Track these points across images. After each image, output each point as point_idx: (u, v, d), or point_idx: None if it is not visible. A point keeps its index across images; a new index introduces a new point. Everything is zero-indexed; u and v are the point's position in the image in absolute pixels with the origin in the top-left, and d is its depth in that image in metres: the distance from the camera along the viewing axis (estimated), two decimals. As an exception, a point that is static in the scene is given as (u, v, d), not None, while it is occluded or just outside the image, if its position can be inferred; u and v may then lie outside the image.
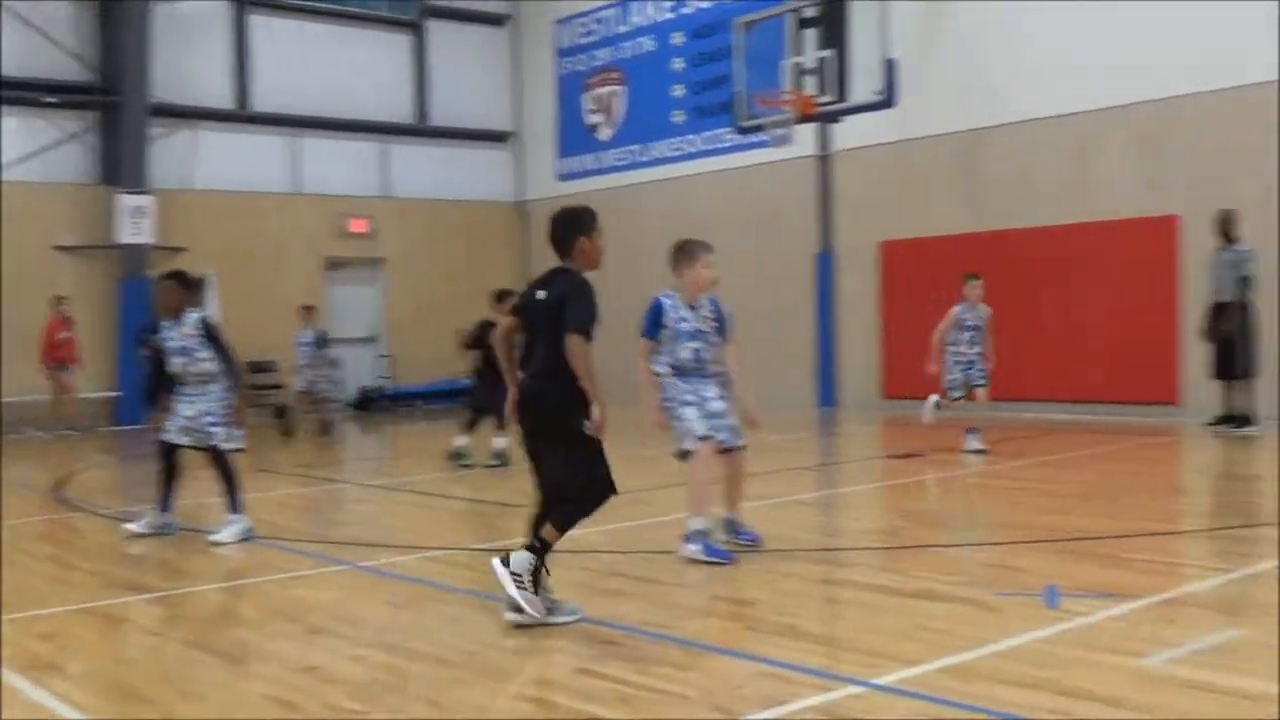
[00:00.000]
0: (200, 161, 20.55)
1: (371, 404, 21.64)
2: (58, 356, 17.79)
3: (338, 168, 22.11)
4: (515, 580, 5.50)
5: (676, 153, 21.20)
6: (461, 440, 12.28)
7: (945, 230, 17.13)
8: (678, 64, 21.15)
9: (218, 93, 20.90)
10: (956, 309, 11.92)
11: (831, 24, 16.02)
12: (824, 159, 18.80)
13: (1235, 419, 12.86)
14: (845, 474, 11.94)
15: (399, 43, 23.06)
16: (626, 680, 4.71)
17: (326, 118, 21.85)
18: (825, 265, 18.90)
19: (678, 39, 21.15)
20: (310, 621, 5.88)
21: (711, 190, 20.39)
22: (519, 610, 5.47)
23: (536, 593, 5.49)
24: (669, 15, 21.29)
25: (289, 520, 9.63)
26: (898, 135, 17.32)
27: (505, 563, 5.55)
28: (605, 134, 22.57)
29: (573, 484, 5.63)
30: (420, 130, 23.15)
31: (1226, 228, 12.98)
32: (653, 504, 9.47)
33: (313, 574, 7.17)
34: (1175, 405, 14.72)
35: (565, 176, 23.36)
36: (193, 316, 8.32)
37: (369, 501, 10.84)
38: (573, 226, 5.90)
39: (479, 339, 12.19)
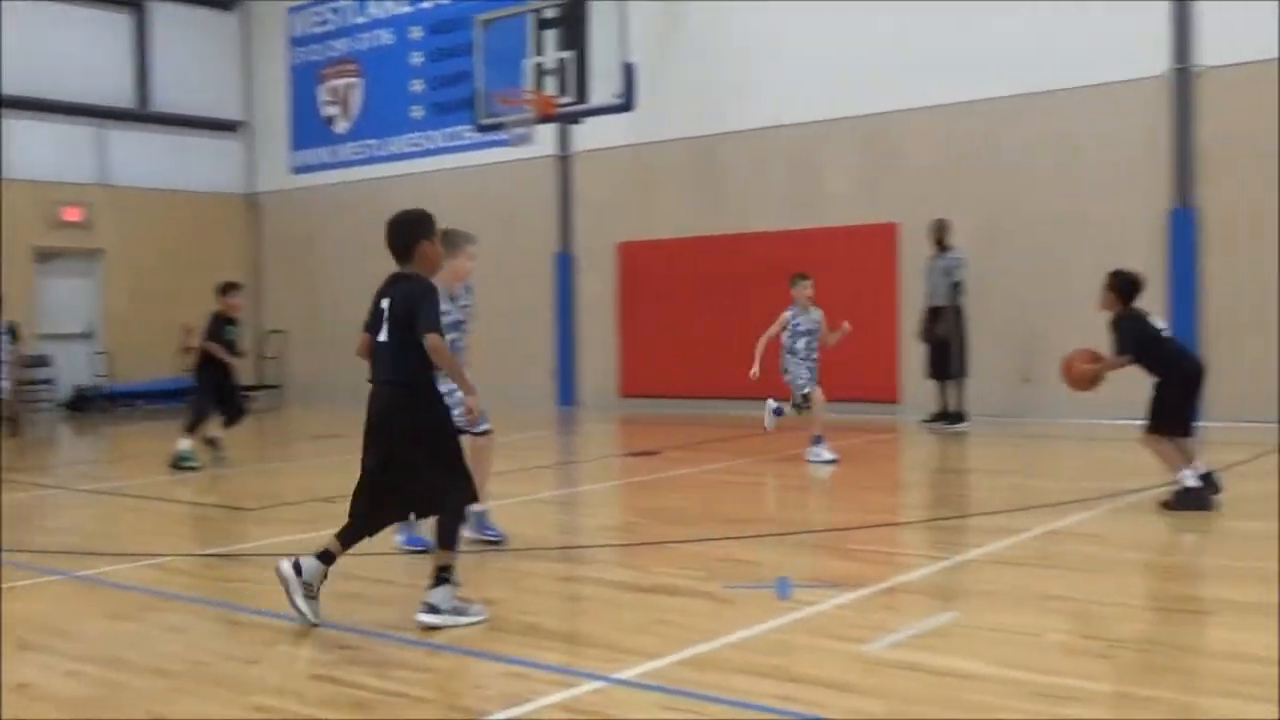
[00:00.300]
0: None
1: (87, 404, 20.37)
2: None
3: (48, 152, 20.66)
4: (306, 589, 5.41)
5: (415, 148, 20.91)
6: (184, 443, 11.74)
7: (683, 232, 17.57)
8: (417, 58, 20.86)
9: (-89, 66, 19.24)
10: (788, 313, 11.46)
11: (571, 25, 16.13)
12: (564, 159, 18.95)
13: (949, 416, 13.73)
14: (584, 472, 12.06)
15: (116, 21, 21.76)
16: (365, 685, 4.61)
17: (35, 98, 20.39)
18: (564, 265, 19.04)
19: (416, 33, 20.86)
20: (19, 636, 5.48)
21: (451, 187, 20.17)
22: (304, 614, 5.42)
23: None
24: (407, 8, 20.97)
25: (-7, 528, 8.96)
26: (636, 138, 17.63)
27: (298, 569, 5.42)
28: (342, 126, 22.03)
29: (442, 495, 5.54)
30: (141, 115, 21.93)
31: (940, 235, 13.84)
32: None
33: (20, 585, 6.69)
34: (896, 403, 15.57)
35: (300, 169, 22.66)
36: None
37: (82, 507, 10.19)
38: (414, 231, 5.73)
39: (214, 333, 11.87)
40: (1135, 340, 8.06)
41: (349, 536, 5.71)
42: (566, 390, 19.03)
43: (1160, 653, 4.95)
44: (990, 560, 6.71)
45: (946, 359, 13.73)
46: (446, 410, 5.69)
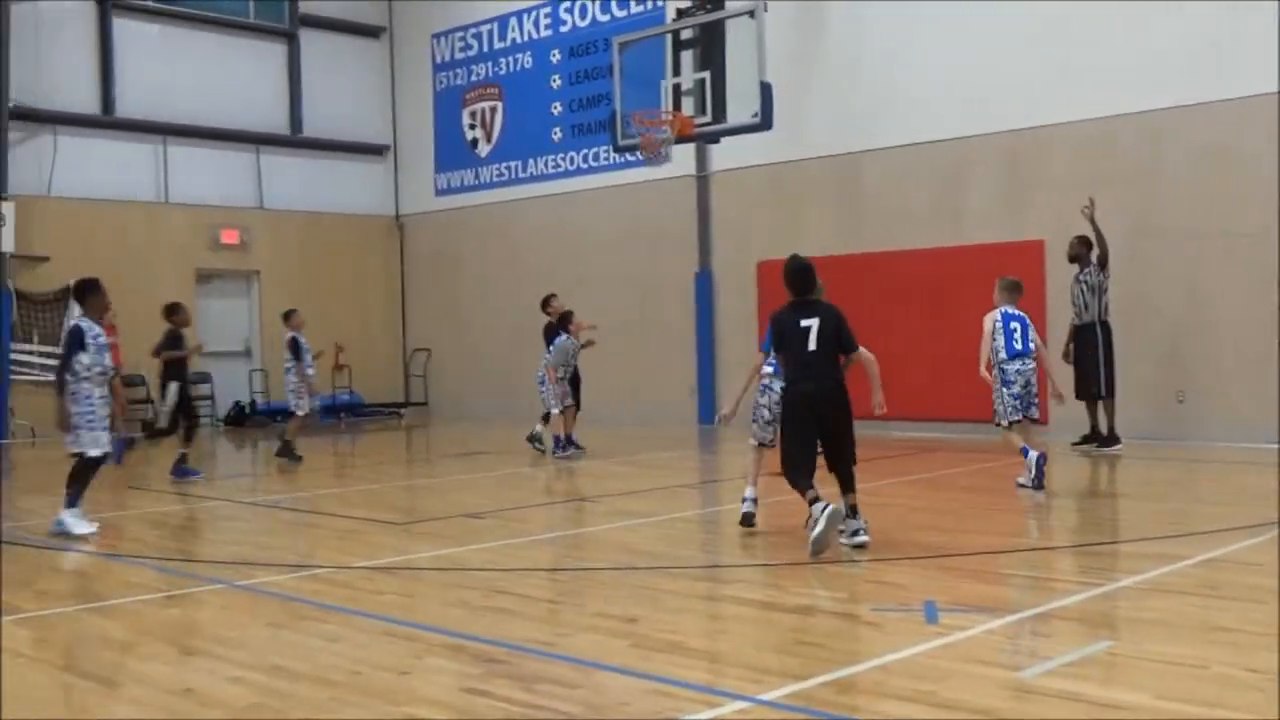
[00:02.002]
0: (62, 168, 19.86)
1: (245, 419, 21.13)
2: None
3: (209, 177, 21.56)
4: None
5: (555, 169, 21.22)
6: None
7: (823, 251, 17.41)
8: (556, 81, 21.19)
9: (81, 97, 20.25)
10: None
11: (708, 46, 16.22)
12: (702, 179, 19.01)
13: (1100, 438, 13.29)
14: (725, 491, 12.04)
15: (272, 51, 22.64)
16: (513, 698, 4.69)
17: (197, 126, 21.31)
18: (704, 284, 19.09)
19: (556, 56, 21.19)
20: (185, 643, 5.73)
21: (590, 207, 20.46)
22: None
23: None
24: (547, 32, 21.33)
25: (161, 538, 9.36)
26: (775, 157, 17.60)
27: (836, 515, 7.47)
28: (484, 149, 22.48)
29: (854, 451, 8.27)
30: (294, 141, 22.75)
31: (1083, 252, 13.44)
32: (530, 521, 9.46)
33: (187, 594, 6.99)
34: (1043, 425, 15.19)
35: (443, 191, 23.19)
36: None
37: (243, 519, 10.58)
38: (814, 273, 8.42)
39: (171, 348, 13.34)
40: None
41: (806, 477, 7.67)
42: (707, 408, 19.04)
43: (1331, 687, 4.75)
44: (1147, 587, 6.50)
45: (1094, 379, 13.33)
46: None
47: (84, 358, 8.96)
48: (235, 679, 5.06)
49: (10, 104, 18.87)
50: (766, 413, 9.28)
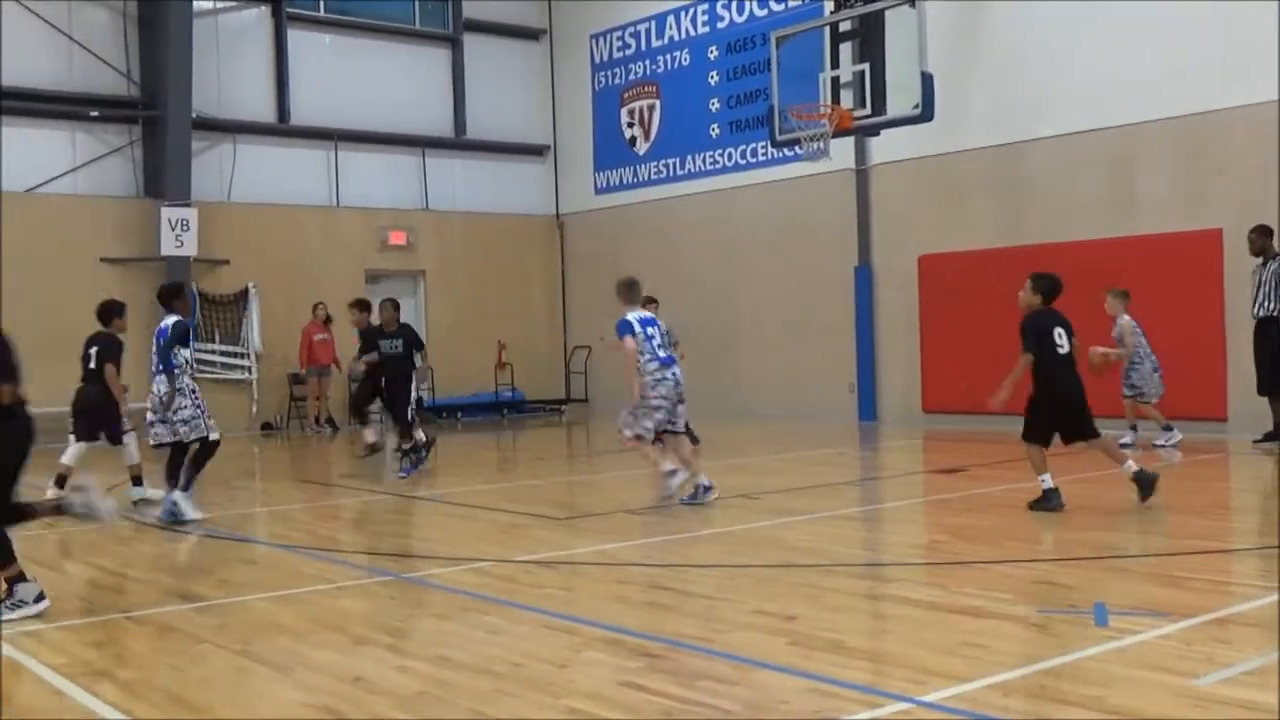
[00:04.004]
0: (241, 175, 20.74)
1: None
2: (315, 359, 18.27)
3: (377, 181, 22.26)
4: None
5: (713, 166, 21.22)
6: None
7: (986, 244, 17.06)
8: (713, 77, 21.18)
9: (258, 106, 21.10)
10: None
11: (867, 37, 15.96)
12: (862, 172, 18.77)
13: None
14: (887, 488, 11.89)
15: (437, 56, 23.21)
16: (671, 694, 4.71)
17: (366, 131, 22.00)
18: (864, 279, 18.84)
19: (713, 52, 21.18)
20: (355, 632, 5.91)
21: (749, 203, 20.39)
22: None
23: None
24: (704, 29, 21.34)
25: (333, 530, 9.69)
26: (936, 148, 17.27)
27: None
28: (642, 147, 22.62)
29: None
30: (458, 143, 23.29)
31: (1266, 241, 12.78)
32: (689, 517, 9.48)
33: (357, 584, 7.22)
34: (1223, 421, 14.57)
35: (603, 190, 23.42)
36: None
37: (409, 513, 10.88)
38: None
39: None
40: None
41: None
42: (867, 405, 18.80)
43: None
44: (1335, 593, 6.18)
45: (1276, 375, 12.67)
46: None
47: (185, 352, 9.94)
48: (402, 668, 5.21)
49: (194, 115, 19.77)
50: (663, 402, 9.74)
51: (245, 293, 20.44)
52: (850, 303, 18.92)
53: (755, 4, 20.37)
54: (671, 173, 21.98)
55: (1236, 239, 13.87)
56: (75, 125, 19.39)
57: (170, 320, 9.90)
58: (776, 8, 19.93)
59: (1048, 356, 9.15)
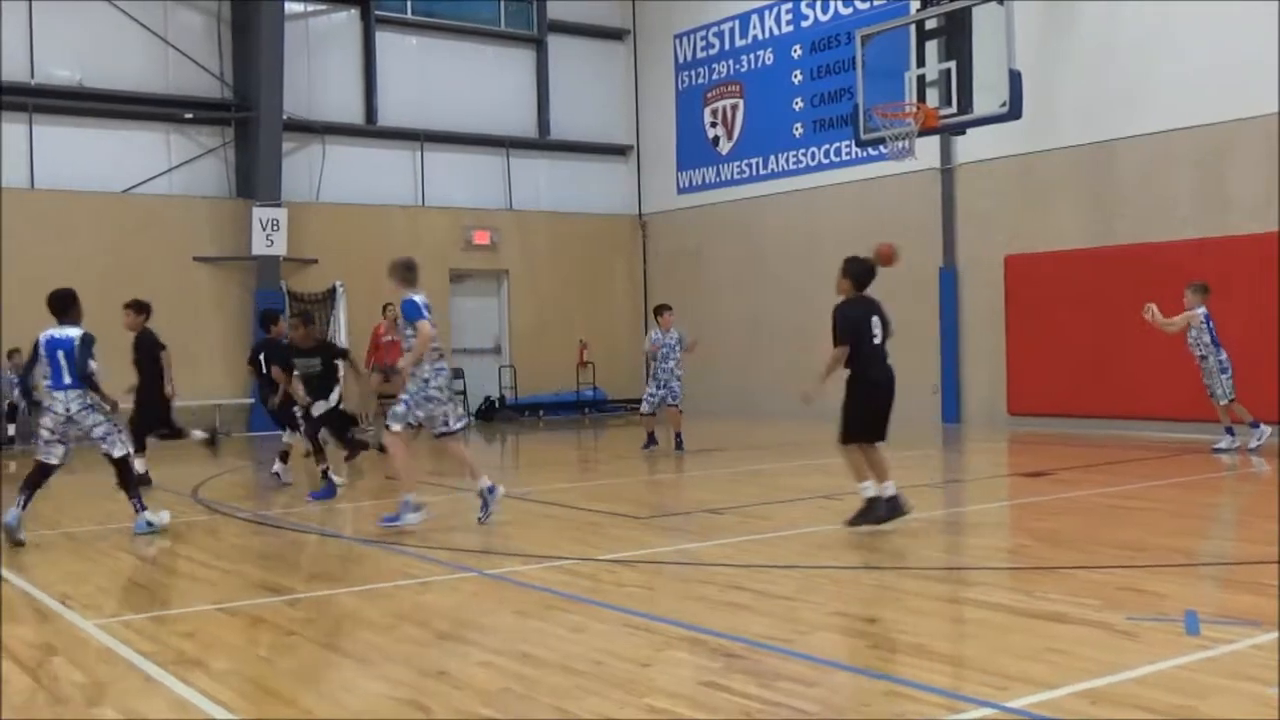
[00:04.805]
0: (329, 175, 21.10)
1: (495, 413, 21.95)
2: (382, 358, 18.72)
3: (462, 180, 22.52)
4: None
5: (797, 165, 21.13)
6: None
7: (1074, 244, 16.79)
8: (797, 76, 21.09)
9: (346, 107, 21.45)
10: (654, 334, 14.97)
11: (954, 35, 15.79)
12: (947, 171, 18.57)
13: None
14: (970, 491, 11.76)
15: (521, 57, 23.40)
16: (751, 694, 4.71)
17: (451, 132, 22.25)
18: (948, 280, 18.64)
19: (797, 51, 21.09)
20: (439, 627, 5.99)
21: (832, 203, 20.27)
22: None
23: None
24: (788, 28, 21.26)
25: (417, 528, 9.80)
26: (1023, 147, 17.03)
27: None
28: (725, 147, 22.60)
29: None
30: (542, 144, 23.45)
31: None
32: (770, 519, 9.46)
33: (439, 580, 7.31)
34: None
35: (685, 189, 23.43)
36: None
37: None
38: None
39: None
40: None
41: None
42: (951, 407, 18.60)
43: None
44: None
45: None
46: None
47: (95, 364, 8.97)
48: (485, 663, 5.27)
49: (284, 116, 20.14)
50: (437, 393, 9.28)
51: (333, 291, 20.78)
52: (935, 303, 18.73)
53: (840, 3, 20.26)
54: (754, 172, 21.92)
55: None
56: (170, 127, 19.88)
57: (75, 331, 8.88)
58: (862, 6, 19.80)
59: (864, 348, 8.48)
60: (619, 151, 24.42)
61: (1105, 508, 9.74)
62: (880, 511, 8.39)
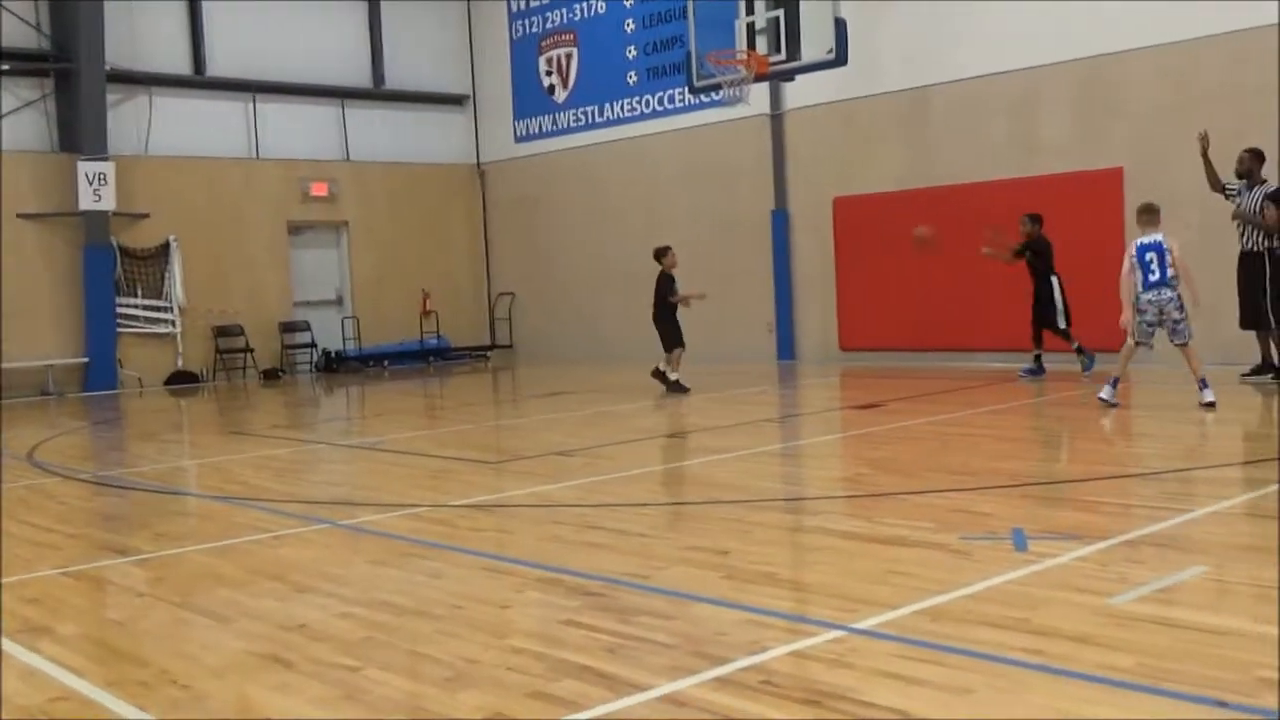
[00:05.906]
0: (158, 127, 20.31)
1: (339, 365, 21.65)
2: None
3: (297, 132, 21.95)
4: None
5: (631, 113, 21.20)
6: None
7: (898, 185, 17.35)
8: (630, 25, 21.11)
9: (173, 58, 20.64)
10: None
11: (782, -17, 16.01)
12: (777, 117, 18.91)
13: (1272, 369, 12.40)
14: (807, 425, 12.13)
15: (355, 7, 22.83)
16: (611, 630, 4.82)
17: (285, 83, 21.64)
18: (780, 222, 19.05)
19: (629, 0, 21.09)
20: (295, 580, 5.97)
21: (667, 150, 20.45)
22: None
23: None
24: (622, -26, 21.23)
25: (266, 481, 9.67)
26: (848, 93, 17.46)
27: None
28: (561, 95, 22.52)
29: None
30: (377, 94, 23.01)
31: (1254, 167, 12.49)
32: (618, 459, 9.62)
33: (293, 533, 7.26)
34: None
35: (523, 138, 23.30)
36: None
37: (342, 461, 10.91)
38: None
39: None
40: None
41: None
42: (786, 345, 19.09)
43: None
44: (1240, 512, 6.48)
45: (1260, 308, 12.24)
46: None
47: None
48: (344, 614, 5.28)
49: (107, 67, 19.28)
50: None
51: (166, 246, 20.14)
52: (768, 245, 19.14)
53: (671, -51, 20.29)
54: (590, 120, 21.92)
55: (1137, 177, 14.28)
56: (-15, 79, 18.87)
57: None
58: (693, -48, 19.84)
59: None
60: (455, 101, 24.10)
61: (934, 435, 10.17)
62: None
